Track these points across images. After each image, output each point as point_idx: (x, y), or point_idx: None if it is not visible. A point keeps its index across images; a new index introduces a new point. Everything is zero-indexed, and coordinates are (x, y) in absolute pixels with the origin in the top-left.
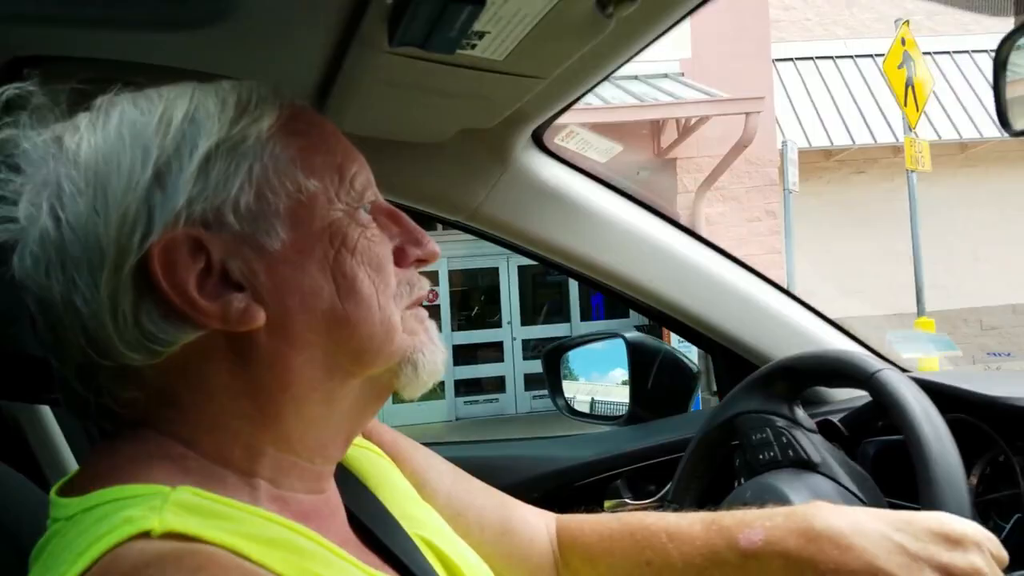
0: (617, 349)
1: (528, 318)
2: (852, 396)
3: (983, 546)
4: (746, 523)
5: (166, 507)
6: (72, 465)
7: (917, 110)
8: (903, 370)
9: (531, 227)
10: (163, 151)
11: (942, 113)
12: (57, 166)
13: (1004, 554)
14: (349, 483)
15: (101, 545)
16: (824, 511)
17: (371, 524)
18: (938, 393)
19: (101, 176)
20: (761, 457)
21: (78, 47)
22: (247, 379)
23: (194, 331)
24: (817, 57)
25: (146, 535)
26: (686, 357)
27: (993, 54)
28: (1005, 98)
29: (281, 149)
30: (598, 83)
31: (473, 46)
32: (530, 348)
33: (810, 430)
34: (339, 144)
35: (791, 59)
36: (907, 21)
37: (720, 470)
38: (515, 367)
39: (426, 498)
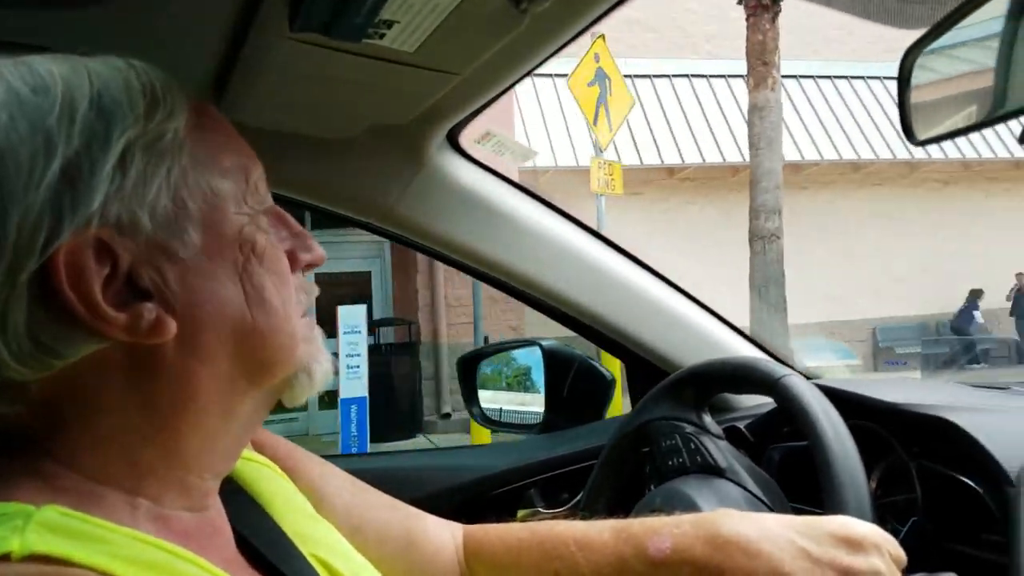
0: (533, 357)
1: None
2: (758, 403)
3: (883, 548)
4: (655, 531)
5: (29, 527)
6: None
7: (610, 131)
8: (808, 377)
9: (446, 230)
10: (70, 144)
11: (709, 136)
12: None
13: (902, 555)
14: (238, 500)
15: None
16: (731, 518)
17: (260, 544)
18: (840, 399)
19: None
20: (670, 463)
21: None
22: (145, 393)
23: (96, 343)
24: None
25: (5, 558)
26: (601, 365)
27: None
28: (909, 109)
29: (197, 148)
30: (515, 82)
31: (381, 35)
32: None
33: (717, 436)
34: (241, 143)
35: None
36: (602, 35)
37: (632, 477)
38: None
39: (324, 513)
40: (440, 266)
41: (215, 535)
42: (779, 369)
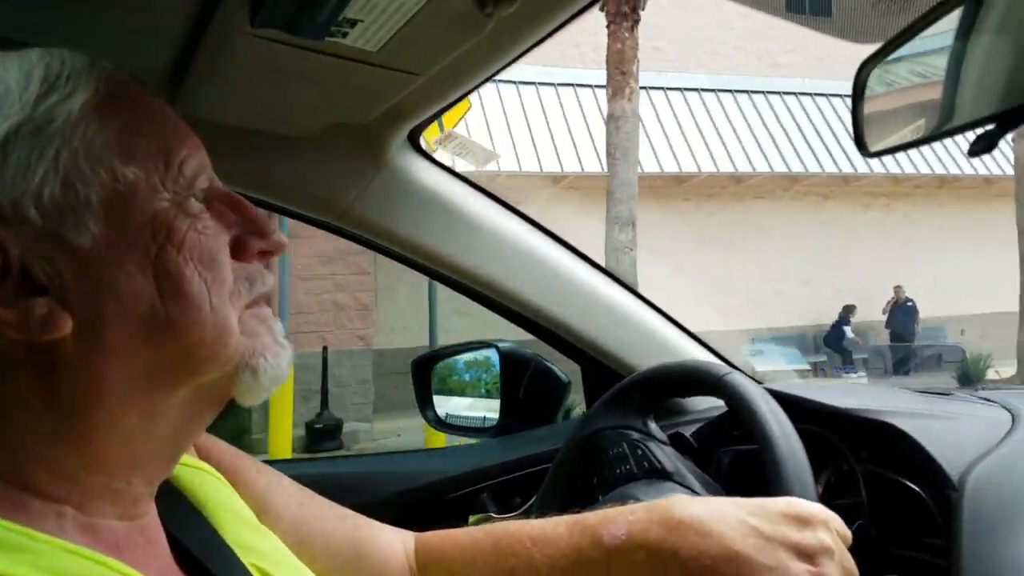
0: (489, 359)
1: None
2: (709, 406)
3: (830, 524)
4: (610, 519)
5: None
6: None
7: (441, 132)
8: (757, 382)
9: (405, 230)
10: None
11: (591, 145)
12: None
13: (848, 532)
14: (179, 508)
15: None
16: (684, 502)
17: (200, 554)
18: (789, 404)
19: None
20: (618, 471)
21: None
22: (52, 393)
23: None
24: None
25: None
26: (557, 367)
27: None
28: (862, 122)
29: (95, 132)
30: (479, 84)
31: (344, 34)
32: None
33: (663, 442)
34: (166, 124)
35: None
36: None
37: (583, 488)
38: None
39: (269, 525)
40: (286, 272)
41: (148, 545)
42: (721, 368)
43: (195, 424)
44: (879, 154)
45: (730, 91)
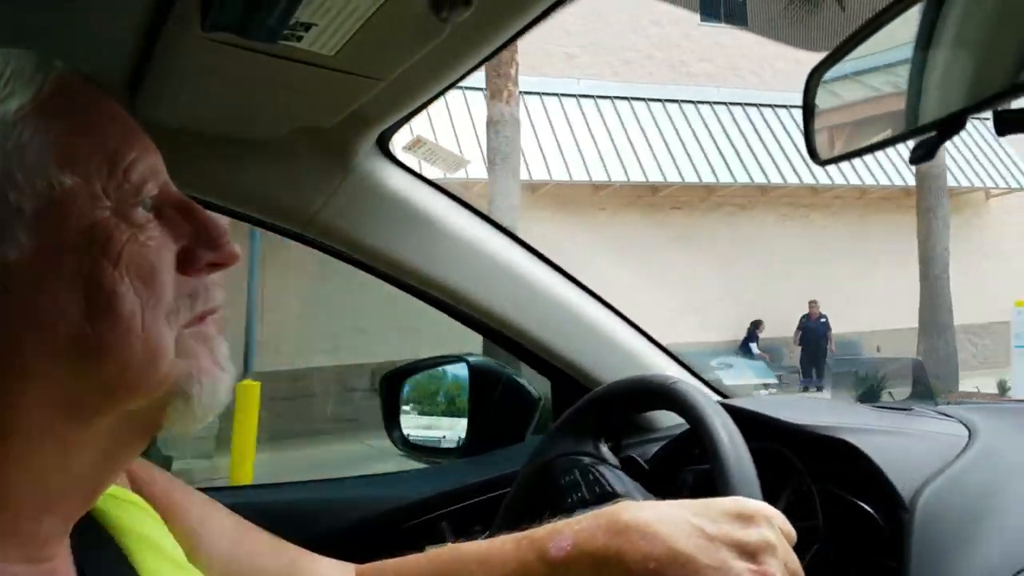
0: (460, 374)
1: None
2: (677, 423)
3: (773, 521)
4: (556, 531)
5: None
6: None
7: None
8: (723, 396)
9: (373, 239)
10: None
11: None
12: None
13: (792, 531)
14: (96, 543)
15: None
16: (631, 507)
17: None
18: (747, 420)
19: None
20: (570, 500)
21: None
22: None
23: None
24: None
25: None
26: (527, 382)
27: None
28: (813, 131)
29: (31, 136)
30: (445, 90)
31: (299, 38)
32: None
33: (614, 466)
34: (113, 127)
35: None
36: None
37: (538, 516)
38: None
39: (199, 561)
40: None
41: None
42: (668, 378)
43: (119, 456)
44: (830, 162)
45: (643, 99)
